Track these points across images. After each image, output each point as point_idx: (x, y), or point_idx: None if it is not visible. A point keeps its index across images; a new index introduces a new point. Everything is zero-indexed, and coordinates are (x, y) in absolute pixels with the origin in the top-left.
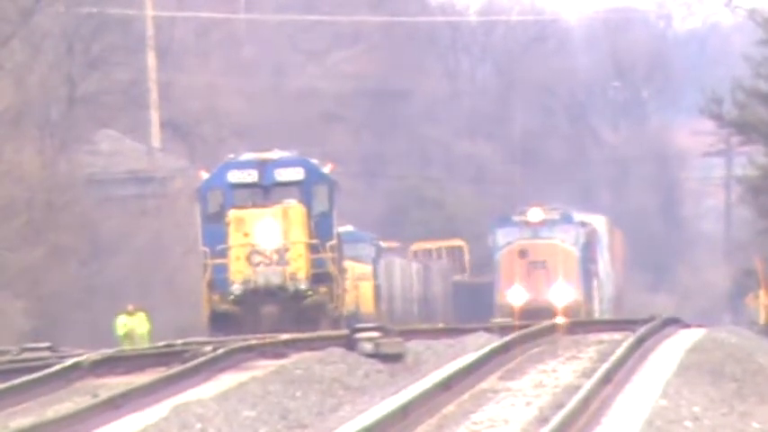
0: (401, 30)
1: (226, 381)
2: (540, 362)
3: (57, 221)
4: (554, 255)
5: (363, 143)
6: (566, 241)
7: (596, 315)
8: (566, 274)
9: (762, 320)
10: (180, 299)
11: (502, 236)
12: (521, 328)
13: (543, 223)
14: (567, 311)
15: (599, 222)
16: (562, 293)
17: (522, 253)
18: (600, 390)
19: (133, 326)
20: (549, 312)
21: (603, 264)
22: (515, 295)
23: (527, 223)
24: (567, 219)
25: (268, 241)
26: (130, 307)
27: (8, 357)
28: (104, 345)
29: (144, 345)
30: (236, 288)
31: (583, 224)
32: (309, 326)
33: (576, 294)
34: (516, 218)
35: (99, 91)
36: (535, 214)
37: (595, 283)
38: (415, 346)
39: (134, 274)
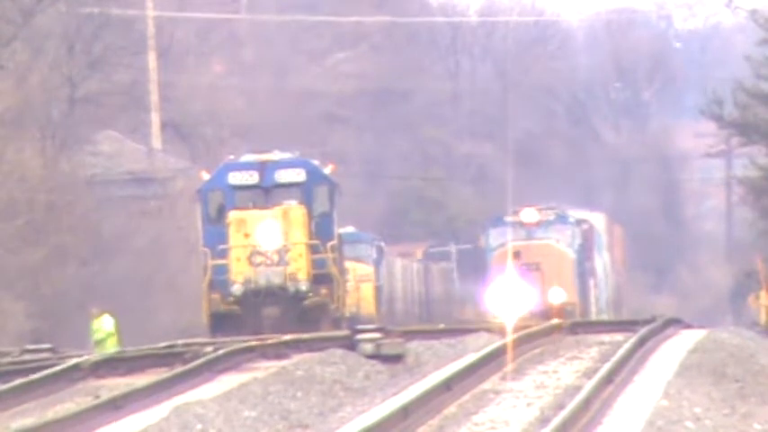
0: (402, 30)
1: (227, 381)
2: (541, 362)
3: (58, 222)
4: (548, 256)
5: (364, 144)
6: (561, 242)
7: (592, 316)
8: (560, 275)
9: (763, 321)
10: (181, 300)
11: (495, 237)
12: (521, 328)
13: (538, 224)
14: (562, 313)
15: (598, 220)
16: (557, 296)
17: (516, 254)
18: (601, 390)
19: (95, 330)
20: (543, 315)
21: (601, 262)
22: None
23: (521, 224)
24: (562, 219)
25: (268, 242)
26: (93, 310)
27: (9, 359)
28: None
29: (104, 350)
30: (237, 288)
31: (579, 223)
32: (310, 327)
33: (571, 296)
34: (510, 218)
35: (100, 91)
36: (529, 215)
37: (591, 282)
38: (415, 346)
39: (135, 275)
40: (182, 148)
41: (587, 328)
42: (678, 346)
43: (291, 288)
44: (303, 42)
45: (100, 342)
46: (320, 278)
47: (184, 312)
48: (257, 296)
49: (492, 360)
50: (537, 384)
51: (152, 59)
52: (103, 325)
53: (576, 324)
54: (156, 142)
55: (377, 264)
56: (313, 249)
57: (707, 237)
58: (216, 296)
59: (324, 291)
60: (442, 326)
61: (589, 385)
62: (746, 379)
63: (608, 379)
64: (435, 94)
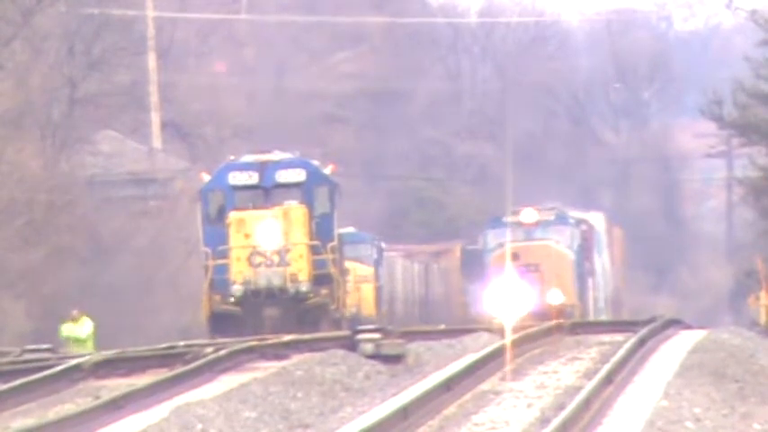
0: (402, 31)
1: (227, 382)
2: (541, 363)
3: (57, 222)
4: (547, 257)
5: (364, 144)
6: (560, 242)
7: (592, 316)
8: (559, 276)
9: (763, 321)
10: (181, 300)
11: (493, 237)
12: (521, 329)
13: (536, 224)
14: (561, 314)
15: (597, 219)
16: (556, 297)
17: (515, 255)
18: (601, 390)
19: (77, 331)
20: (542, 316)
21: (600, 262)
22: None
23: (520, 224)
24: (561, 219)
25: (269, 242)
26: (75, 312)
27: (9, 358)
28: (105, 346)
29: (85, 350)
30: (237, 289)
31: (578, 223)
32: (310, 327)
33: (570, 297)
34: (508, 219)
35: (100, 92)
36: (528, 215)
37: (591, 283)
38: (415, 347)
39: (135, 275)
40: (182, 149)
41: (587, 329)
42: (678, 347)
43: (292, 289)
44: (303, 42)
45: (81, 342)
46: (320, 279)
47: (184, 312)
48: (257, 297)
49: (492, 360)
50: (537, 385)
51: (152, 60)
52: (85, 326)
53: (575, 324)
54: (157, 142)
55: (377, 264)
56: (314, 250)
57: (707, 237)
58: (216, 296)
59: (324, 291)
60: (442, 326)
61: (589, 386)
62: (746, 379)
63: (608, 379)
64: (435, 94)
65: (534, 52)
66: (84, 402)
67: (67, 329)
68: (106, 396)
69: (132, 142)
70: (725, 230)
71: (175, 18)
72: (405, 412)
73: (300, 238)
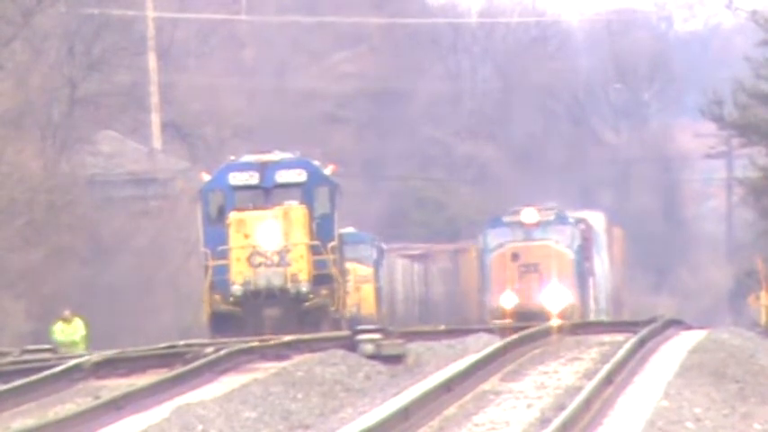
0: (402, 31)
1: (227, 382)
2: (542, 363)
3: (58, 222)
4: (547, 257)
5: (364, 144)
6: (560, 243)
7: (591, 316)
8: (559, 277)
9: (763, 321)
10: (181, 300)
11: (493, 237)
12: (522, 329)
13: (537, 224)
14: (561, 315)
15: (597, 219)
16: (556, 297)
17: (515, 256)
18: (601, 391)
19: (70, 332)
20: (541, 316)
21: (600, 261)
22: (507, 299)
23: (519, 224)
24: (561, 219)
25: (269, 242)
26: (67, 313)
27: (9, 359)
28: (104, 346)
29: (78, 351)
30: (237, 289)
31: (578, 223)
32: (311, 328)
33: (571, 298)
34: (508, 219)
35: (100, 92)
36: (528, 215)
37: (591, 282)
38: (416, 347)
39: (135, 276)
40: (182, 149)
41: (587, 329)
42: (678, 347)
43: (292, 289)
44: (303, 43)
45: (74, 344)
46: (321, 279)
47: (184, 312)
48: (257, 297)
49: (492, 361)
50: (537, 385)
51: (152, 60)
52: (78, 328)
53: (575, 325)
54: (157, 143)
55: (377, 264)
56: (314, 250)
57: (707, 237)
58: (217, 296)
59: (324, 292)
60: (442, 327)
61: (589, 386)
62: (746, 379)
63: (608, 380)
64: (435, 94)
65: (534, 52)
66: (84, 402)
67: (59, 330)
68: (106, 396)
69: (132, 142)
70: (725, 230)
71: (175, 18)
72: (405, 413)
73: (301, 238)
